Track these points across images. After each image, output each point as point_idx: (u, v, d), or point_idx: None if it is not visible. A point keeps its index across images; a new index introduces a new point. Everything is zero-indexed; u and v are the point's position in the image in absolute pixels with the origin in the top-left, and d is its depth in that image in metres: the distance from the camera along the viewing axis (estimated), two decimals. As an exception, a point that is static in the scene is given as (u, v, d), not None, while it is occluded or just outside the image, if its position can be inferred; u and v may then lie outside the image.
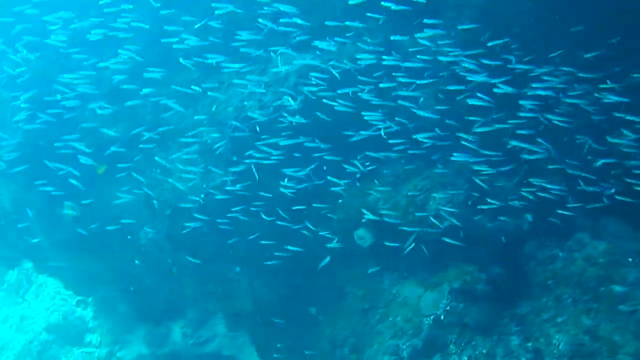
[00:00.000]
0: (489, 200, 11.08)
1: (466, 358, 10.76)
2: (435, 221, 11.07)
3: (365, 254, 11.95)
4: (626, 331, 10.20)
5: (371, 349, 11.73)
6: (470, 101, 10.70)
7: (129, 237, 12.93)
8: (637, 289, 10.65)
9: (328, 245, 11.57)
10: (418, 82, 11.05)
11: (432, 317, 11.04)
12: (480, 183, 10.99)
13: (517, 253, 11.62)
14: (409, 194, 11.35)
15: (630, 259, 10.95)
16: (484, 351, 10.73)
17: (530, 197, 11.02)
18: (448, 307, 11.00)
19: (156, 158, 12.27)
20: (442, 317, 10.97)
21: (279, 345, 14.02)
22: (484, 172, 10.96)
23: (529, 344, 10.63)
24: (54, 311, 20.42)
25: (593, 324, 10.42)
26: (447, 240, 10.96)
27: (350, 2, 11.07)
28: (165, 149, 12.52)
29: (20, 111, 12.89)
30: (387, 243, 11.32)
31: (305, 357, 13.48)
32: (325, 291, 13.10)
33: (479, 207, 11.22)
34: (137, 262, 12.74)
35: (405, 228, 11.22)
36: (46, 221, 14.02)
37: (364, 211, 11.37)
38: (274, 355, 13.97)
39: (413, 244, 11.12)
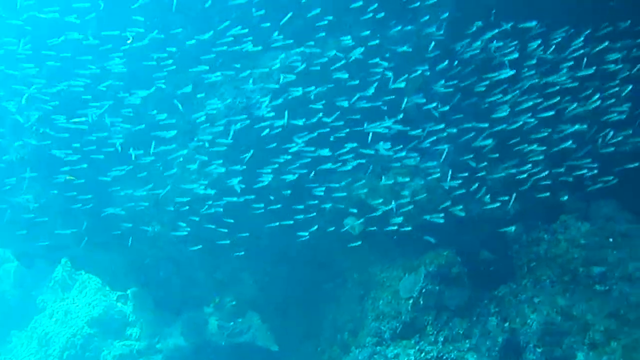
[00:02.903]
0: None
1: (442, 338, 11.09)
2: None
3: (357, 240, 12.24)
4: (599, 310, 10.37)
5: (362, 332, 12.18)
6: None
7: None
8: (615, 269, 10.76)
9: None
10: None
11: (410, 300, 11.35)
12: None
13: (503, 236, 11.78)
14: (390, 182, 11.57)
15: (611, 240, 11.02)
16: (461, 332, 11.04)
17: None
18: (424, 290, 11.32)
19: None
20: (420, 300, 11.28)
21: (290, 332, 14.54)
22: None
23: (506, 324, 10.90)
24: (95, 306, 21.38)
25: (568, 304, 10.60)
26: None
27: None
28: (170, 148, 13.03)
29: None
30: (370, 229, 11.60)
31: (313, 342, 13.98)
32: (326, 279, 13.56)
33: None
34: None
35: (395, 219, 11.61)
36: (73, 218, 14.67)
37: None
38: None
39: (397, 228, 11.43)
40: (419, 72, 11.44)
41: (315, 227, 11.88)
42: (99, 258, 15.59)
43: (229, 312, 18.53)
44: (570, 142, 10.93)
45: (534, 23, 11.05)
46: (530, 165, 11.23)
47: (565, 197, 11.57)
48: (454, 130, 11.47)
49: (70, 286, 22.88)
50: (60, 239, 14.79)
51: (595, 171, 11.08)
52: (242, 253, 12.84)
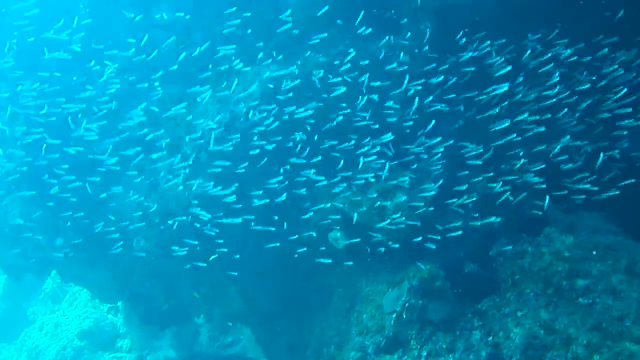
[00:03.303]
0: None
1: (426, 353, 11.05)
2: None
3: (343, 254, 12.23)
4: (582, 324, 10.34)
5: (347, 346, 12.15)
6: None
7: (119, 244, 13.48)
8: (599, 282, 10.75)
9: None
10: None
11: (393, 315, 11.32)
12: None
13: (488, 250, 11.78)
14: (374, 196, 11.58)
15: (594, 252, 11.01)
16: (444, 346, 11.01)
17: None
18: (407, 304, 11.30)
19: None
20: (402, 314, 11.26)
21: (278, 344, 14.51)
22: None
23: (490, 338, 10.85)
24: (85, 318, 21.37)
25: (551, 318, 10.57)
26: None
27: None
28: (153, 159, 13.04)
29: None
30: (354, 242, 11.57)
31: (300, 356, 13.95)
32: (313, 292, 13.53)
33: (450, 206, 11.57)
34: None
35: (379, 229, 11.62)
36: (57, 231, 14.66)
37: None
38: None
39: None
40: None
41: (304, 249, 11.86)
42: (86, 271, 15.52)
43: (219, 324, 18.58)
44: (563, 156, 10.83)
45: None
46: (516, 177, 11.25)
47: (550, 210, 11.42)
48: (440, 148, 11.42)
49: (60, 298, 22.83)
50: (49, 252, 14.66)
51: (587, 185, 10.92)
52: (236, 273, 12.77)
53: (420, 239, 11.29)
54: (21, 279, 16.97)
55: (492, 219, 11.47)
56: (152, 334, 19.55)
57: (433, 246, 11.11)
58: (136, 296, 14.84)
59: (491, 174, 11.63)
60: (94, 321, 21.14)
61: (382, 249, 11.52)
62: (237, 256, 12.58)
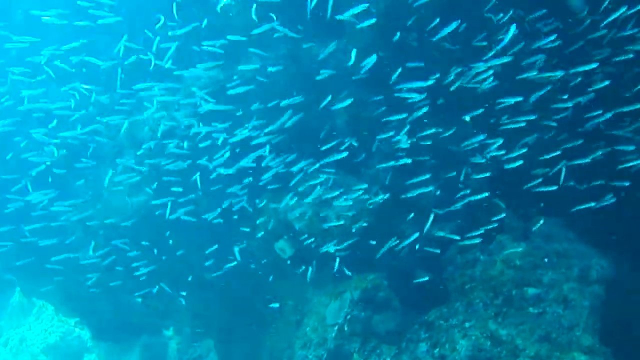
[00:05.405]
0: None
1: (369, 366, 10.67)
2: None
3: (289, 265, 11.87)
4: (531, 334, 9.96)
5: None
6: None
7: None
8: (550, 290, 10.37)
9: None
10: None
11: (335, 327, 10.92)
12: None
13: (439, 258, 11.37)
14: (320, 204, 11.20)
15: (546, 260, 10.63)
16: (388, 359, 10.60)
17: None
18: (349, 316, 10.90)
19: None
20: (344, 327, 10.86)
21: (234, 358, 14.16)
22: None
23: (436, 350, 10.46)
24: (52, 332, 20.92)
25: (498, 328, 10.19)
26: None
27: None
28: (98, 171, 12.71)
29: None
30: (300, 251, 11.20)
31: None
32: (264, 304, 13.16)
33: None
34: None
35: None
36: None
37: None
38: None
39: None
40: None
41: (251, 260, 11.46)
42: (44, 285, 15.15)
43: (188, 337, 18.18)
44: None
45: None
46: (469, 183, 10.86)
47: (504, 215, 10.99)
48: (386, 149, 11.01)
49: (28, 312, 22.38)
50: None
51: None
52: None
53: (365, 248, 10.78)
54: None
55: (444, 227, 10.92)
56: (121, 348, 19.15)
57: (378, 254, 10.63)
58: (88, 310, 14.39)
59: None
60: (60, 335, 20.72)
61: (328, 259, 11.03)
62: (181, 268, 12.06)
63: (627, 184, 9.78)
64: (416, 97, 9.83)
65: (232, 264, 11.54)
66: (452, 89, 10.06)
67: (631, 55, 9.55)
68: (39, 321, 21.56)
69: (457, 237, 10.58)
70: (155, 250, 12.09)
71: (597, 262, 10.22)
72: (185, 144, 11.50)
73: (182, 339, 18.70)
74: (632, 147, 9.81)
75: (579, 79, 9.86)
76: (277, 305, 12.63)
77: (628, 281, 10.50)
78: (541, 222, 10.65)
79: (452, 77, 10.04)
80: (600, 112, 9.63)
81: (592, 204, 9.89)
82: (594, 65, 9.39)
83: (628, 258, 10.70)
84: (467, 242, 10.76)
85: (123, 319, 14.34)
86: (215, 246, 11.65)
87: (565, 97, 9.97)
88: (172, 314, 13.82)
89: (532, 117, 10.00)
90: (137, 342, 18.35)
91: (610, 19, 9.28)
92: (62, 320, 21.22)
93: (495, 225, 10.86)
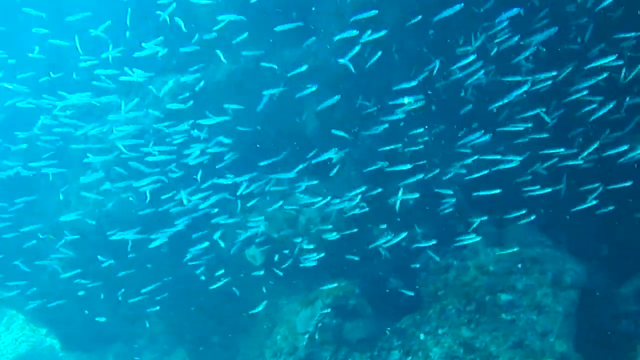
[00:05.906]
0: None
1: (341, 375, 10.46)
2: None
3: (261, 272, 11.63)
4: (504, 341, 9.80)
5: (266, 369, 11.53)
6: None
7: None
8: (524, 296, 10.22)
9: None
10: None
11: (306, 335, 10.70)
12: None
13: (412, 264, 11.18)
14: (287, 208, 10.99)
15: (520, 265, 10.48)
16: (360, 367, 10.41)
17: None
18: (320, 324, 10.68)
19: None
20: (315, 335, 10.64)
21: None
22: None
23: (409, 358, 10.26)
24: (22, 342, 20.43)
25: (472, 335, 10.01)
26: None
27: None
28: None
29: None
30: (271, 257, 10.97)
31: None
32: (237, 312, 12.92)
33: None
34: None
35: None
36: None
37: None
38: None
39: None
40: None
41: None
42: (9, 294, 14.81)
43: (161, 346, 17.85)
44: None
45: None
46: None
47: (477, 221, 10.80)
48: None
49: (-1, 321, 21.94)
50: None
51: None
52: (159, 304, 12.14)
53: (338, 255, 10.57)
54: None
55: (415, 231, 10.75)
56: (93, 358, 18.77)
57: (356, 258, 10.42)
58: (56, 320, 14.07)
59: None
60: (31, 345, 20.23)
61: (299, 266, 10.81)
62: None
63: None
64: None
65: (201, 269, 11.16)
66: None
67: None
68: (9, 331, 21.07)
69: (430, 244, 10.34)
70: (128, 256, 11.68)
71: (571, 267, 10.06)
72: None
73: (156, 348, 18.39)
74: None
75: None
76: (248, 313, 12.33)
77: (602, 287, 10.34)
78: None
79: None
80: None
81: (570, 209, 9.71)
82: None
83: (603, 264, 10.54)
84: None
85: (94, 328, 13.94)
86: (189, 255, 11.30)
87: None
88: (144, 322, 13.43)
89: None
90: (110, 351, 17.98)
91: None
92: (34, 329, 20.74)
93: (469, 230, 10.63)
